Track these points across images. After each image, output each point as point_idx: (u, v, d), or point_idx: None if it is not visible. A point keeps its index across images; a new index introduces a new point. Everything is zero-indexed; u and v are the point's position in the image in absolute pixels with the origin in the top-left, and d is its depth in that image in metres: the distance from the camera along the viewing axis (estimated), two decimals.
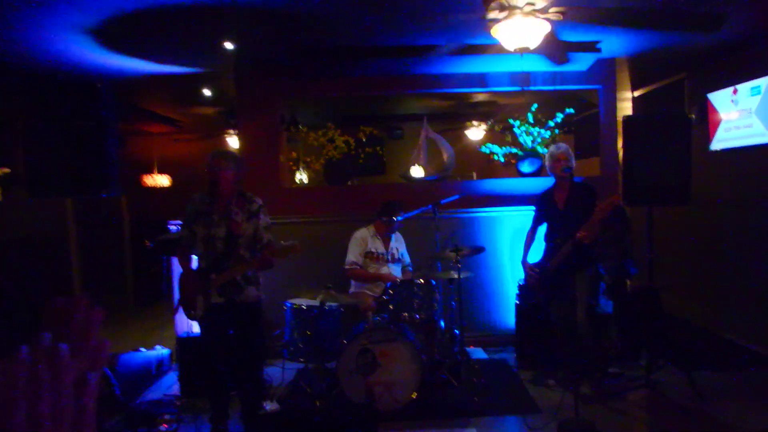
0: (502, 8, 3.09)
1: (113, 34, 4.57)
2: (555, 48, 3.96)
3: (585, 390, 4.18)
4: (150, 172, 10.13)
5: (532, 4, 3.09)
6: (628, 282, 5.14)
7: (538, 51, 3.72)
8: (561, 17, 3.14)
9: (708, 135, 5.40)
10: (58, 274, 6.56)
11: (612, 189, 5.26)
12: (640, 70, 5.98)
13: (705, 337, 5.46)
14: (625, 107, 6.25)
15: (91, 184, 3.72)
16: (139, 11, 4.02)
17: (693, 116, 5.71)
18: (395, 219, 4.79)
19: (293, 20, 4.26)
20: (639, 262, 5.00)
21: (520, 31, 3.14)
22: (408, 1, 3.75)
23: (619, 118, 5.64)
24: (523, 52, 3.35)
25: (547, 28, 3.21)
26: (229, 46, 4.84)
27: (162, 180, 10.10)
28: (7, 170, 7.26)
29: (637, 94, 6.43)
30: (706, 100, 5.40)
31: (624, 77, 5.96)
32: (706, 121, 5.43)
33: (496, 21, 3.22)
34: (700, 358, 4.85)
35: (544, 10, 3.15)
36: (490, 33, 3.33)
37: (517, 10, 3.11)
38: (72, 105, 3.64)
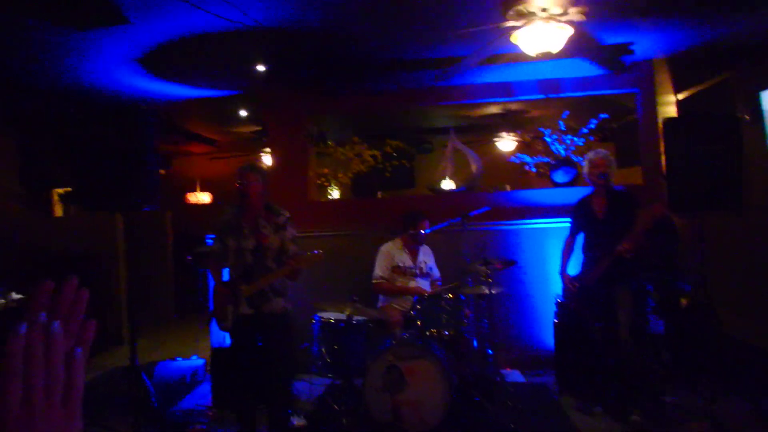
0: (520, 15, 2.99)
1: (157, 62, 4.92)
2: (597, 51, 3.76)
3: (636, 418, 3.82)
4: (193, 190, 10.47)
5: (546, 9, 2.98)
6: (683, 300, 4.77)
7: (579, 56, 3.57)
8: (584, 17, 3.01)
9: (765, 136, 5.06)
10: (107, 286, 6.83)
11: (655, 197, 4.98)
12: (683, 70, 5.68)
13: None
14: (670, 111, 5.95)
15: (135, 199, 3.91)
16: (181, 39, 4.30)
17: (746, 117, 5.37)
18: (421, 232, 4.70)
19: (318, 38, 4.37)
20: (690, 276, 4.67)
21: (541, 36, 3.03)
22: (429, 14, 3.73)
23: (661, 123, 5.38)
24: (548, 57, 3.23)
25: (569, 31, 3.09)
26: (260, 67, 4.99)
27: (204, 197, 10.43)
28: (69, 189, 7.69)
29: (681, 96, 6.12)
30: (759, 98, 5.06)
31: (665, 79, 5.67)
32: (762, 120, 5.09)
33: (515, 28, 3.12)
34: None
35: (564, 13, 3.03)
36: (510, 41, 3.23)
37: (536, 16, 3.00)
38: (117, 126, 3.84)
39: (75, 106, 5.54)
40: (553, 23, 3.01)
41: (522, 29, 3.07)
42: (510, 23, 3.10)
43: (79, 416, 0.66)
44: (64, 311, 0.67)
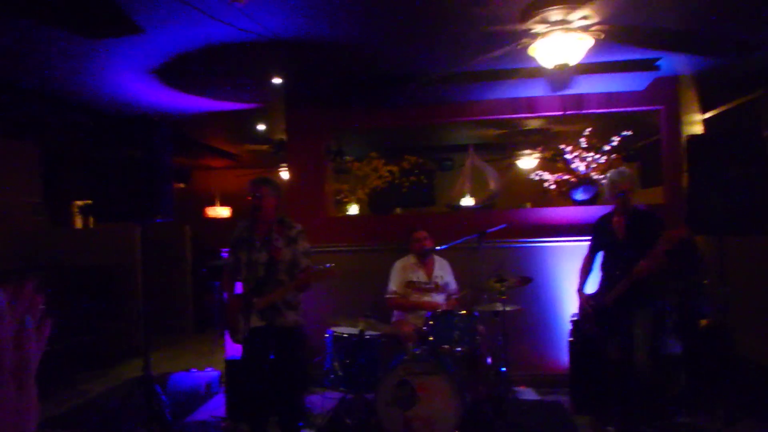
0: (543, 21, 2.97)
1: (173, 74, 4.97)
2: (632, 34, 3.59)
3: None
4: (212, 204, 10.59)
5: (570, 21, 2.97)
6: (702, 321, 4.67)
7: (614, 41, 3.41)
8: (602, 36, 2.99)
9: None
10: (126, 298, 6.93)
11: (678, 217, 4.89)
12: (710, 88, 5.58)
13: None
14: (696, 130, 5.84)
15: (149, 210, 3.96)
16: (196, 50, 4.33)
17: None
18: (425, 245, 4.72)
19: (334, 51, 4.39)
20: (710, 298, 4.56)
21: (559, 47, 3.01)
22: (450, 30, 3.74)
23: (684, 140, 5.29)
24: (564, 69, 3.20)
25: (589, 42, 3.07)
26: (276, 80, 5.03)
27: (223, 211, 10.53)
28: (89, 201, 7.84)
29: (708, 115, 6.01)
30: None
31: (691, 97, 5.56)
32: None
33: (533, 38, 3.11)
34: None
35: (585, 28, 3.02)
36: (527, 52, 3.22)
37: (557, 27, 2.99)
38: (132, 138, 3.93)
39: (92, 118, 5.64)
40: (571, 34, 2.99)
41: (539, 41, 3.06)
42: (531, 26, 3.06)
43: (34, 394, 0.69)
44: (22, 309, 0.70)
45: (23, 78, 5.08)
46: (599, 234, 4.21)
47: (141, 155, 3.92)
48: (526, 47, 3.19)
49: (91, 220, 9.53)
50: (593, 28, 3.03)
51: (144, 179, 3.93)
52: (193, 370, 5.46)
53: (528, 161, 8.59)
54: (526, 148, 8.45)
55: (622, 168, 4.27)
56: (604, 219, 4.20)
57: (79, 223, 9.84)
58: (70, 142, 7.54)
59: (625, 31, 3.07)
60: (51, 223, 8.68)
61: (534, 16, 3.01)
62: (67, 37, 3.96)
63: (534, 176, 6.02)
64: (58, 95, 5.62)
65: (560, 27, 3.00)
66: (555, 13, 3.01)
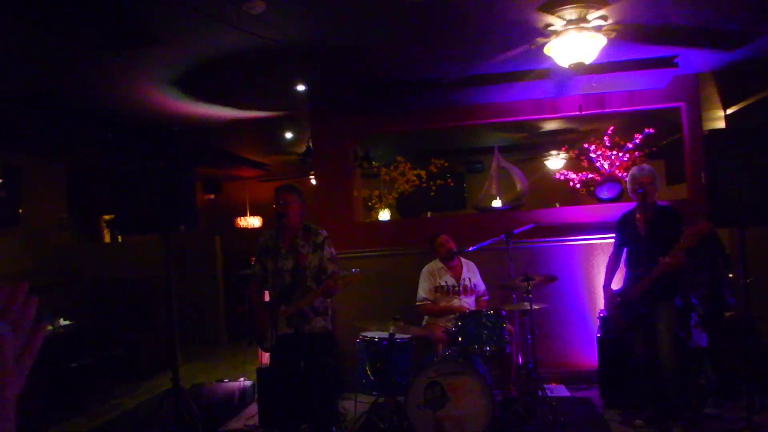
0: (548, 34, 3.03)
1: (195, 84, 5.01)
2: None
3: (677, 431, 3.80)
4: (243, 214, 10.73)
5: (587, 20, 3.01)
6: (727, 313, 4.67)
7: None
8: (613, 35, 3.03)
9: None
10: (159, 311, 7.01)
11: (701, 212, 4.87)
12: (731, 84, 5.55)
13: None
14: (718, 126, 5.81)
15: (170, 221, 3.98)
16: (217, 59, 4.38)
17: None
18: (450, 249, 4.78)
19: (354, 57, 4.43)
20: (735, 290, 4.54)
21: (574, 46, 3.06)
22: (469, 34, 3.78)
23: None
24: (579, 67, 3.25)
25: (602, 41, 3.11)
26: (299, 87, 5.10)
27: (253, 221, 10.64)
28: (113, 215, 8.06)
29: (730, 111, 5.96)
30: None
31: (711, 93, 5.55)
32: None
33: (548, 37, 3.16)
34: None
35: (598, 27, 3.06)
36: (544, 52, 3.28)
37: (572, 26, 3.04)
38: (151, 149, 3.98)
39: (113, 131, 5.66)
40: (585, 33, 3.04)
41: (555, 40, 3.11)
42: (548, 22, 3.10)
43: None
44: (13, 315, 0.69)
45: (51, 96, 5.16)
46: (623, 230, 4.23)
47: (162, 166, 3.92)
48: (541, 47, 3.25)
49: (117, 234, 9.75)
50: (605, 28, 3.07)
51: (165, 190, 3.92)
52: (226, 380, 5.50)
53: (555, 161, 8.58)
54: (552, 149, 8.44)
55: (644, 165, 4.29)
56: (627, 215, 4.22)
57: (107, 237, 10.09)
58: (94, 157, 7.72)
59: (637, 30, 3.09)
60: (79, 238, 8.94)
61: (551, 14, 3.05)
62: (88, 51, 3.98)
63: (559, 176, 6.02)
64: (83, 111, 5.69)
65: (574, 26, 3.05)
66: (569, 12, 3.07)
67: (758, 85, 5.58)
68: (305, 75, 4.93)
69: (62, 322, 5.69)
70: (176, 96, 5.36)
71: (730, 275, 4.70)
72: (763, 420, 3.79)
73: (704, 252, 4.41)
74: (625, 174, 5.34)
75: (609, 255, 4.34)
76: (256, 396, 5.24)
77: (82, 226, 9.39)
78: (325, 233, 3.88)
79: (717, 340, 4.41)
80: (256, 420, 4.75)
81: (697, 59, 4.81)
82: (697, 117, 5.48)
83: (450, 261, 4.91)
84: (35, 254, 7.29)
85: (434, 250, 4.95)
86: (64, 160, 7.91)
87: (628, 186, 4.17)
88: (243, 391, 5.36)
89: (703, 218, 3.77)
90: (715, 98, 5.61)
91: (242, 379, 5.50)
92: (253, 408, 5.11)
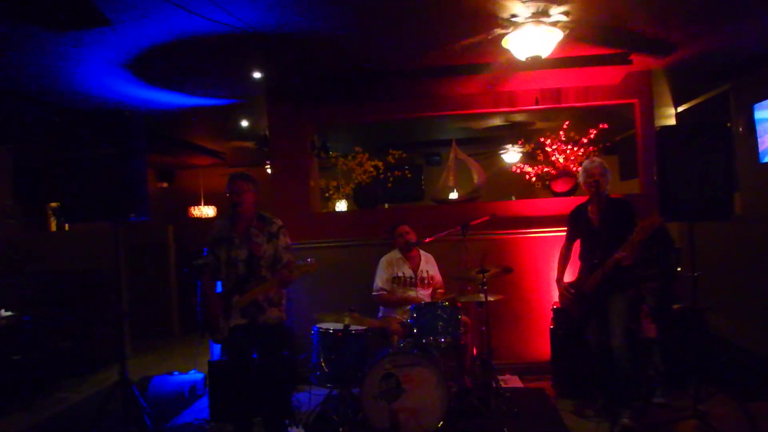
0: (507, 26, 3.03)
1: (146, 67, 4.83)
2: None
3: (626, 420, 3.87)
4: (197, 203, 10.49)
5: (546, 14, 3.01)
6: (675, 305, 4.82)
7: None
8: (568, 31, 3.05)
9: (757, 147, 5.08)
10: (108, 302, 6.75)
11: (652, 207, 5.00)
12: (682, 82, 5.72)
13: (758, 363, 5.01)
14: (669, 123, 5.98)
15: (119, 209, 3.79)
16: (168, 43, 4.24)
17: (741, 129, 5.40)
18: (408, 240, 4.80)
19: (312, 45, 4.36)
20: (683, 282, 4.69)
21: (531, 39, 3.07)
22: (428, 25, 3.74)
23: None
24: (535, 60, 3.26)
25: (559, 35, 3.13)
26: (256, 75, 4.99)
27: (208, 211, 10.44)
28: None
29: (681, 109, 6.15)
30: (753, 110, 5.10)
31: (663, 91, 5.70)
32: (755, 133, 5.11)
33: (506, 29, 3.16)
34: (753, 386, 4.46)
35: (555, 23, 3.07)
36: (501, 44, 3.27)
37: (528, 21, 3.04)
38: (101, 133, 3.75)
39: (60, 114, 5.41)
40: (542, 27, 3.05)
41: (512, 33, 3.11)
42: (499, 31, 3.13)
43: None
44: None
45: None
46: (575, 223, 4.29)
47: (112, 151, 3.73)
48: (499, 39, 3.24)
49: (63, 222, 9.38)
50: (561, 23, 3.08)
51: (115, 176, 3.73)
52: (176, 373, 5.37)
53: (512, 155, 8.68)
54: (508, 142, 8.53)
55: (595, 158, 4.35)
56: (580, 208, 4.28)
57: (53, 225, 9.69)
58: (42, 142, 7.38)
59: (593, 29, 3.12)
60: (25, 226, 8.54)
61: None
62: (35, 32, 3.83)
63: (515, 169, 6.10)
64: (29, 93, 5.45)
65: (533, 20, 3.05)
66: (529, 6, 3.07)
67: (709, 84, 5.78)
68: (262, 62, 4.82)
69: (3, 313, 5.45)
70: (127, 80, 5.17)
71: (679, 269, 4.85)
72: (708, 408, 3.91)
73: (655, 245, 4.53)
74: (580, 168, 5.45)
75: (561, 248, 4.40)
76: (207, 389, 5.15)
77: (29, 214, 8.99)
78: (279, 222, 3.83)
79: (666, 332, 4.53)
80: (207, 413, 4.62)
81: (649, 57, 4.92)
82: (650, 113, 5.63)
83: (409, 252, 4.90)
84: None
85: (393, 240, 4.94)
86: (10, 145, 7.55)
87: (581, 179, 4.22)
88: (194, 384, 5.25)
89: (654, 212, 3.85)
90: (667, 96, 5.78)
91: (193, 371, 5.38)
92: (204, 401, 5.02)
